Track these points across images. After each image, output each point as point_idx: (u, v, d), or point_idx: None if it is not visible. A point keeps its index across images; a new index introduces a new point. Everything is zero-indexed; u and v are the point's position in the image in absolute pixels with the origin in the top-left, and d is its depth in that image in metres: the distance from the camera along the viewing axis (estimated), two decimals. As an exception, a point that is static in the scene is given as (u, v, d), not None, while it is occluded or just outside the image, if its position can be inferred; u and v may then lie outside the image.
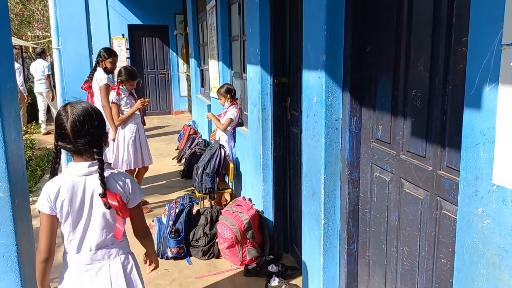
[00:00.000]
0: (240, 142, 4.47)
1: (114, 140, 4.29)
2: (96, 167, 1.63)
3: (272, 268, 3.20)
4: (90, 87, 4.39)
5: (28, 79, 11.41)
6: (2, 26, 2.01)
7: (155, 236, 3.67)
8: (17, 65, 9.11)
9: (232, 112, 4.45)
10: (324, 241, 2.37)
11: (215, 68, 6.01)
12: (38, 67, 8.82)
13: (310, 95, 2.40)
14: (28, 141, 7.46)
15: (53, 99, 8.88)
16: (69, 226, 1.66)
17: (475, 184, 1.24)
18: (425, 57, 1.67)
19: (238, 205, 3.60)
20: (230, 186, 4.67)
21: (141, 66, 10.83)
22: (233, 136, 4.62)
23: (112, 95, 4.29)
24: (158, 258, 3.54)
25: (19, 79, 8.89)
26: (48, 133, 8.93)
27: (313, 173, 2.44)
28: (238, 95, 4.89)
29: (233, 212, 3.51)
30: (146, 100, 4.43)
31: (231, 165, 4.28)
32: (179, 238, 3.55)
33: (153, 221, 3.92)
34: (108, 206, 1.64)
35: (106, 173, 1.65)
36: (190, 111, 10.16)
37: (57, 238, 1.73)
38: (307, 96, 2.44)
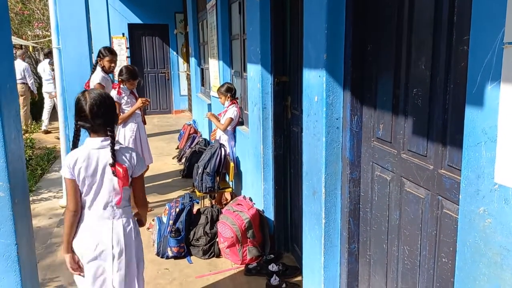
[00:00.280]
0: (240, 141, 4.46)
1: None
2: (109, 141, 2.00)
3: (273, 267, 3.19)
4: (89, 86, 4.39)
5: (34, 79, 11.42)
6: (2, 25, 2.01)
7: (155, 236, 3.67)
8: (25, 64, 9.22)
9: (232, 111, 4.45)
10: (325, 240, 2.36)
11: (215, 67, 6.00)
12: (46, 68, 8.86)
13: (310, 94, 2.39)
14: (28, 140, 7.46)
15: None
16: (85, 188, 2.01)
17: (476, 183, 1.23)
18: (426, 56, 1.66)
19: (238, 204, 3.59)
20: (231, 185, 4.67)
21: (141, 65, 10.82)
22: (233, 135, 4.61)
23: (113, 94, 4.28)
24: (159, 258, 3.57)
25: (29, 79, 9.08)
26: (48, 131, 8.93)
27: (313, 172, 2.43)
28: (239, 94, 4.89)
29: (234, 211, 3.51)
30: (147, 99, 4.43)
31: (232, 164, 4.28)
32: (179, 238, 3.55)
33: (153, 220, 3.92)
34: (115, 174, 1.99)
35: (116, 147, 2.00)
36: (190, 110, 10.16)
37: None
38: (308, 95, 2.43)
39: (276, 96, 3.44)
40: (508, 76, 1.10)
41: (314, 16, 2.29)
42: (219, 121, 4.59)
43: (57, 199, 5.09)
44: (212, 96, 6.19)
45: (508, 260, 1.15)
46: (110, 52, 4.31)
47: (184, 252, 3.58)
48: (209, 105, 6.62)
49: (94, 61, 4.51)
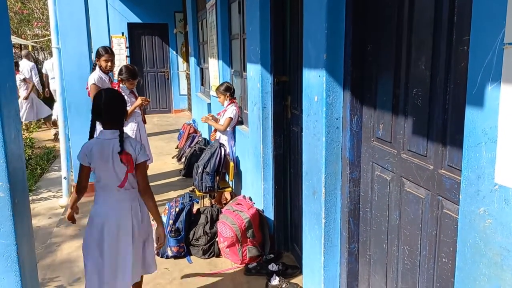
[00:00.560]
0: (240, 140, 4.46)
1: None
2: (118, 133, 2.33)
3: (273, 267, 3.19)
4: None
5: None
6: (1, 24, 2.00)
7: (155, 235, 3.66)
8: (32, 64, 9.30)
9: (231, 111, 4.45)
10: (324, 240, 2.37)
11: (215, 67, 6.00)
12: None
13: (310, 94, 2.39)
14: (28, 140, 7.45)
15: None
16: (99, 172, 2.37)
17: (477, 184, 1.23)
18: (426, 56, 1.66)
19: (238, 204, 3.59)
20: (230, 185, 4.67)
21: (140, 64, 10.81)
22: (233, 134, 4.61)
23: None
24: (158, 257, 3.57)
25: (35, 78, 9.25)
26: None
27: (313, 172, 2.43)
28: (238, 93, 4.89)
29: (234, 211, 3.51)
30: (146, 98, 4.42)
31: (231, 163, 4.27)
32: (179, 237, 3.55)
33: (153, 220, 3.91)
34: (122, 161, 2.31)
35: (124, 138, 2.33)
36: (190, 109, 10.15)
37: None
38: (308, 95, 2.43)
39: (276, 96, 3.44)
40: (509, 77, 1.10)
41: (314, 16, 2.29)
42: (218, 122, 4.59)
43: (57, 198, 5.09)
44: (212, 95, 6.18)
45: (508, 260, 1.15)
46: (106, 51, 4.27)
47: (184, 252, 3.58)
48: (209, 104, 6.62)
49: (93, 61, 4.51)
